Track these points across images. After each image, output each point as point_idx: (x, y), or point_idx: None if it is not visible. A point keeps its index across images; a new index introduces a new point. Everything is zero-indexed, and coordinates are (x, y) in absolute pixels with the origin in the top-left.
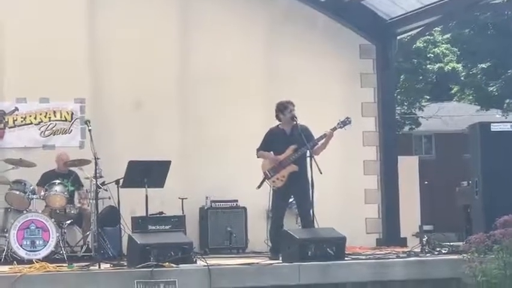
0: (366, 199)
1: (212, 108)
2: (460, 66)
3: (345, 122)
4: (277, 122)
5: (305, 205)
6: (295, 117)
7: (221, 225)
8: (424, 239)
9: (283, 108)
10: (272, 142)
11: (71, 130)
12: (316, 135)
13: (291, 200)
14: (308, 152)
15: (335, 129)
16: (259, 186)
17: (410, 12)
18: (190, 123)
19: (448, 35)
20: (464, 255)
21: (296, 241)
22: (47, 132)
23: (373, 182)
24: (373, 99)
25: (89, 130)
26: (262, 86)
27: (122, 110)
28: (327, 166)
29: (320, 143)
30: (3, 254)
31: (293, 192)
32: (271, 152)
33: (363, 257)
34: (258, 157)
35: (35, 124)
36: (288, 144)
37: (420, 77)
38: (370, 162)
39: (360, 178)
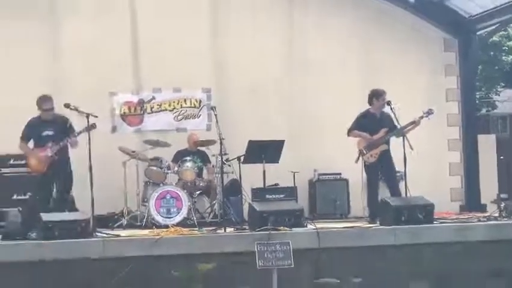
0: (450, 171)
1: (318, 94)
2: None
3: (429, 112)
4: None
5: (393, 178)
6: (390, 102)
7: (327, 194)
8: (501, 205)
9: (378, 95)
10: (364, 124)
11: (200, 115)
12: (404, 120)
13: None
14: (400, 133)
15: (421, 117)
16: (356, 161)
17: (487, 11)
18: (299, 107)
19: None
20: None
21: (391, 208)
22: (179, 117)
23: (456, 157)
24: (456, 86)
25: (215, 115)
26: (360, 75)
27: (242, 97)
28: (417, 143)
29: (407, 128)
30: (144, 220)
31: (383, 167)
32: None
33: (449, 221)
34: (348, 136)
35: (169, 110)
36: (379, 127)
37: (496, 67)
38: (453, 140)
39: (445, 154)
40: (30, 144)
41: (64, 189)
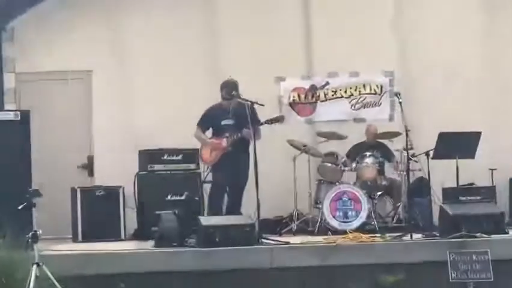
0: None
1: None
2: None
3: None
4: None
5: None
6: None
7: None
8: None
9: None
10: None
11: (381, 103)
12: None
13: None
14: None
15: None
16: None
17: None
18: (499, 93)
19: None
20: None
21: None
22: (357, 106)
23: None
24: None
25: (400, 103)
26: None
27: (431, 81)
28: None
29: None
30: (317, 224)
31: None
32: None
33: None
34: None
35: (346, 98)
36: None
37: None
38: None
39: None
40: (209, 133)
41: (236, 188)
